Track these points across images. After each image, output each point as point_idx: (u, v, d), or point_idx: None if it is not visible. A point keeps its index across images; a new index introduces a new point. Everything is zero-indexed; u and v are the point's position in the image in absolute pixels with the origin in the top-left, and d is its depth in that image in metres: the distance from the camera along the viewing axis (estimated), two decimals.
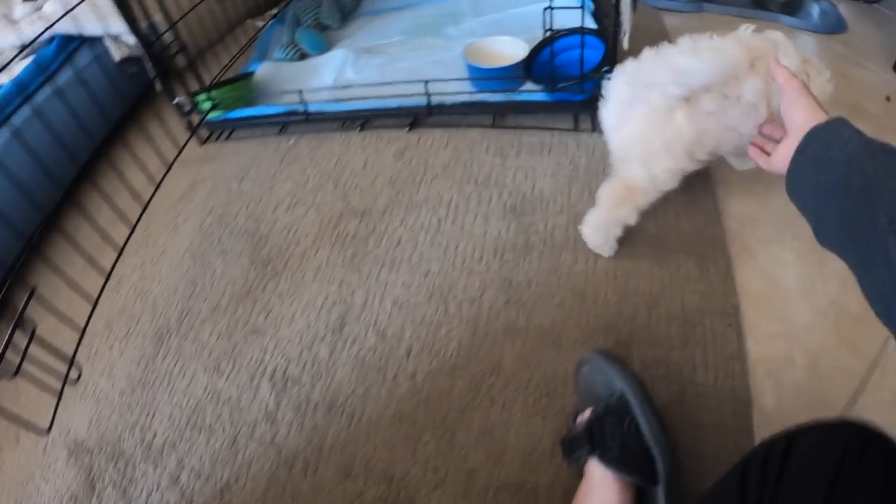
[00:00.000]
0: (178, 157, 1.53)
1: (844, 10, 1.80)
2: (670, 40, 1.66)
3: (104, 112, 1.24)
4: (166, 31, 1.53)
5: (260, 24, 2.05)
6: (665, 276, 1.01)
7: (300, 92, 1.45)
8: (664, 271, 1.02)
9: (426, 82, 1.33)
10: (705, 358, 0.89)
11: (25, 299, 1.01)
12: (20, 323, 0.98)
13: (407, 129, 1.42)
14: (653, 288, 1.00)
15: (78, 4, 1.21)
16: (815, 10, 1.76)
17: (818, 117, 0.63)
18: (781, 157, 0.67)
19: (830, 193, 0.57)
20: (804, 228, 0.99)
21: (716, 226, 1.09)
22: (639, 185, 0.95)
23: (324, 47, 1.79)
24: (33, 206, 1.23)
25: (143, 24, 1.50)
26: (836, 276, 0.98)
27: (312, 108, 1.48)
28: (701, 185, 1.18)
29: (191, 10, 1.59)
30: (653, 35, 1.75)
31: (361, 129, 1.47)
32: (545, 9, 1.18)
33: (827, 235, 0.59)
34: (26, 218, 1.34)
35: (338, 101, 1.47)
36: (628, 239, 1.06)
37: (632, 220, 0.98)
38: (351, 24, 1.93)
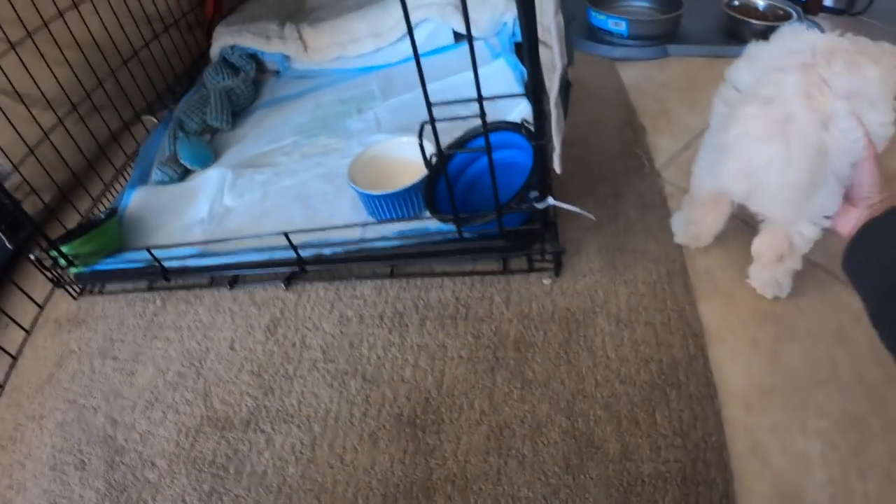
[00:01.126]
0: (50, 318, 1.28)
1: (829, 27, 1.56)
2: (631, 104, 1.38)
3: None
4: (10, 173, 1.27)
5: (153, 118, 1.73)
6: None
7: (148, 249, 1.12)
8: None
9: (287, 234, 0.99)
10: None
11: None
12: None
13: (283, 286, 1.08)
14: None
15: None
16: None
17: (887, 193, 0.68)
18: (848, 224, 0.71)
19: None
20: (832, 394, 0.78)
21: (708, 419, 0.77)
22: (804, 239, 0.80)
23: (209, 159, 1.46)
24: None
25: None
26: (879, 466, 0.71)
27: (172, 265, 1.15)
28: (682, 348, 0.86)
29: (37, 144, 1.29)
30: (608, 94, 1.43)
31: (231, 287, 1.13)
32: (421, 122, 0.83)
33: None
34: None
35: (203, 255, 1.14)
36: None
37: (799, 265, 0.85)
38: (245, 121, 1.60)
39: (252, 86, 1.68)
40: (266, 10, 1.84)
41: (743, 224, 0.99)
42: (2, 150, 1.29)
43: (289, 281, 1.09)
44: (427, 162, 0.86)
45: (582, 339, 0.89)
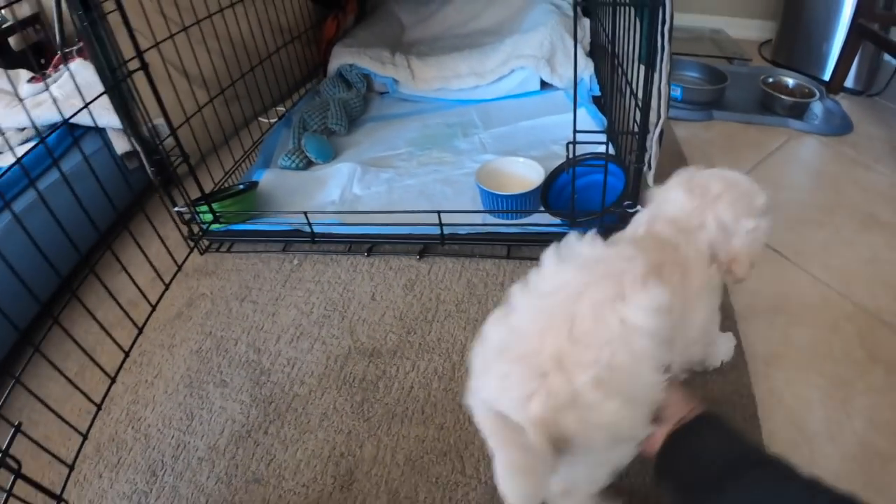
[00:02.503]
0: (162, 278, 1.42)
1: (847, 107, 1.83)
2: (683, 153, 1.68)
3: (109, 202, 1.17)
4: (168, 136, 1.46)
5: (267, 121, 2.02)
6: None
7: (305, 213, 1.39)
8: None
9: (439, 213, 1.28)
10: None
11: (10, 437, 0.91)
12: (3, 462, 0.89)
13: (417, 257, 1.37)
14: None
15: (91, 102, 1.17)
16: (819, 110, 1.77)
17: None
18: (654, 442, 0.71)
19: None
20: (827, 364, 1.06)
21: (740, 368, 1.06)
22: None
23: (330, 155, 1.75)
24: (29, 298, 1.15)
25: (145, 128, 1.43)
26: (862, 413, 0.98)
27: (318, 230, 1.42)
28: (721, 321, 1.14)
29: (192, 115, 1.54)
30: (665, 145, 1.74)
31: (368, 255, 1.41)
32: (568, 143, 1.14)
33: None
34: (21, 312, 1.26)
35: (345, 224, 1.42)
36: None
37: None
38: (358, 130, 1.90)
39: (363, 101, 1.99)
40: (374, 38, 2.16)
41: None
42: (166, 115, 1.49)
43: (421, 254, 1.37)
44: (569, 161, 1.16)
45: None
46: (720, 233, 0.79)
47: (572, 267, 0.69)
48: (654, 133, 1.14)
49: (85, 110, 1.16)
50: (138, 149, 1.42)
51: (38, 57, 2.13)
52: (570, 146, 1.13)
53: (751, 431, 0.95)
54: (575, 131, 1.10)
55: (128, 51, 1.30)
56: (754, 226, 0.80)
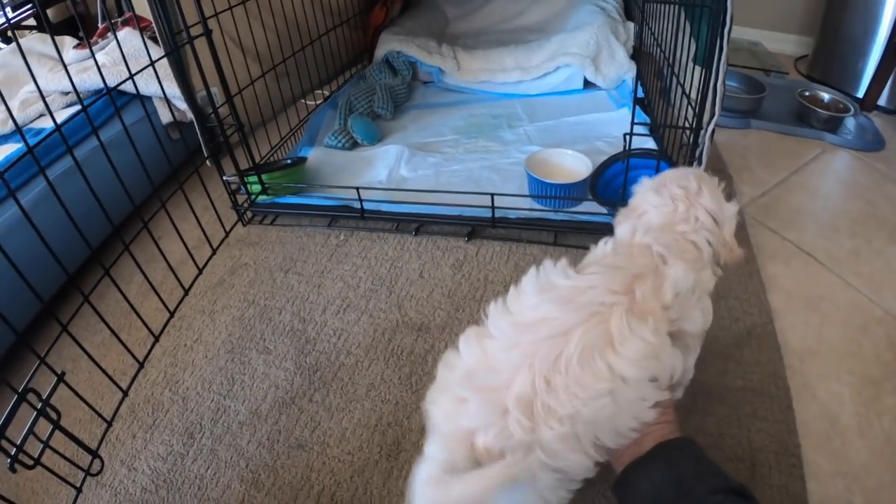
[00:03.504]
0: (215, 237, 1.46)
1: (880, 124, 1.86)
2: (723, 158, 1.72)
3: (147, 173, 1.19)
4: (223, 104, 1.49)
5: (312, 103, 2.06)
6: (731, 415, 1.01)
7: (357, 189, 1.43)
8: (730, 410, 1.02)
9: (492, 195, 1.32)
10: (770, 499, 0.89)
11: (52, 387, 0.93)
12: (44, 411, 0.90)
13: (465, 238, 1.40)
14: (719, 425, 0.99)
15: (153, 63, 1.18)
16: (853, 126, 1.81)
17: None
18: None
19: None
20: (857, 364, 1.10)
21: (777, 361, 1.10)
22: None
23: (376, 137, 1.79)
24: (56, 265, 1.15)
25: (200, 95, 1.48)
26: (890, 412, 1.02)
27: (368, 206, 1.46)
28: (758, 313, 1.19)
29: (246, 87, 1.58)
30: None
31: (416, 233, 1.45)
32: (625, 134, 1.18)
33: None
34: (49, 278, 1.28)
35: (394, 202, 1.46)
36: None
37: None
38: (403, 116, 1.95)
39: (408, 88, 2.04)
40: (420, 28, 2.20)
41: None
42: (223, 83, 1.49)
43: (469, 236, 1.41)
44: (626, 152, 1.20)
45: None
46: (713, 224, 0.80)
47: (554, 300, 0.67)
48: (707, 130, 1.17)
49: (129, 79, 1.18)
50: (192, 115, 1.47)
51: (75, 31, 2.19)
52: (627, 137, 1.17)
53: (786, 422, 0.99)
54: (633, 123, 1.14)
55: (189, 16, 1.33)
56: (736, 208, 0.83)
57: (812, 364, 1.10)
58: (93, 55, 1.06)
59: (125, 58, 1.12)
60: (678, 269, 0.71)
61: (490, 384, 0.63)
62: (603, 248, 0.81)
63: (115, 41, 1.89)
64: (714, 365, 1.08)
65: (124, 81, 1.13)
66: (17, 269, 0.86)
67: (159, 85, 1.26)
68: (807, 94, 1.93)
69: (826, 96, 1.93)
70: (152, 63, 1.18)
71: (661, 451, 0.66)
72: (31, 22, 2.42)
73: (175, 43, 1.36)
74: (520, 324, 0.67)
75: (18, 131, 0.86)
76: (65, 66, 0.96)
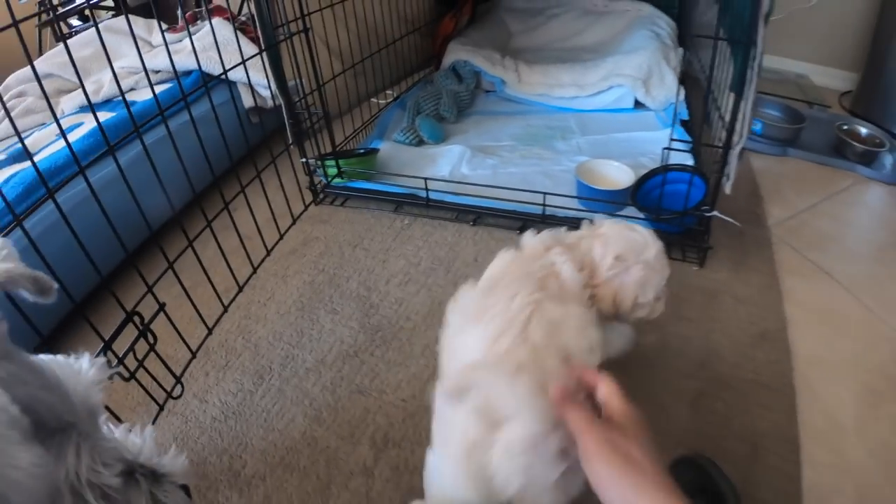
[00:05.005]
0: (292, 213, 1.65)
1: None
2: (756, 181, 1.84)
3: (228, 151, 1.32)
4: (311, 91, 1.65)
5: (381, 101, 2.26)
6: (739, 402, 1.11)
7: (425, 180, 1.61)
8: (739, 397, 1.11)
9: (544, 194, 1.49)
10: (767, 478, 0.98)
11: (154, 313, 1.07)
12: (145, 333, 1.03)
13: (517, 231, 1.58)
14: (728, 409, 1.11)
15: (255, 56, 1.36)
16: (888, 161, 1.89)
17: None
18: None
19: None
20: (862, 373, 1.16)
21: (785, 363, 1.21)
22: None
23: (441, 137, 1.98)
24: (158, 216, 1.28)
25: (291, 84, 1.64)
26: (888, 419, 1.07)
27: (433, 196, 1.64)
28: (773, 320, 1.31)
29: (329, 80, 1.75)
30: (741, 172, 1.89)
31: (473, 224, 1.62)
32: (664, 149, 1.34)
33: None
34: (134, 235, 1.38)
35: (456, 194, 1.63)
36: (706, 363, 1.18)
37: None
38: (465, 120, 2.13)
39: (471, 95, 2.22)
40: (486, 40, 2.39)
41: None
42: (316, 74, 1.67)
43: (521, 230, 1.58)
44: (656, 168, 1.35)
45: (716, 305, 1.35)
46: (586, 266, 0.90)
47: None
48: (735, 149, 1.32)
49: (218, 63, 1.33)
50: (281, 101, 1.63)
51: (154, 14, 2.34)
52: (665, 151, 1.33)
53: (788, 414, 1.10)
54: (672, 139, 1.30)
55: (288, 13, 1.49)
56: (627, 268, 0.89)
57: (818, 369, 1.20)
58: (191, 39, 1.23)
59: (218, 46, 1.26)
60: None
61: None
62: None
63: (205, 28, 2.08)
64: (728, 359, 1.21)
65: (223, 73, 1.30)
66: (139, 208, 1.04)
67: (246, 73, 1.43)
68: (845, 127, 2.01)
69: (864, 131, 2.01)
70: (244, 61, 1.35)
71: None
72: (109, 3, 2.63)
73: (274, 37, 1.52)
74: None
75: (124, 100, 1.05)
76: (167, 47, 1.13)
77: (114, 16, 2.57)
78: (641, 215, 1.49)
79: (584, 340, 0.76)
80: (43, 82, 0.92)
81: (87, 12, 2.67)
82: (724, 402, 1.13)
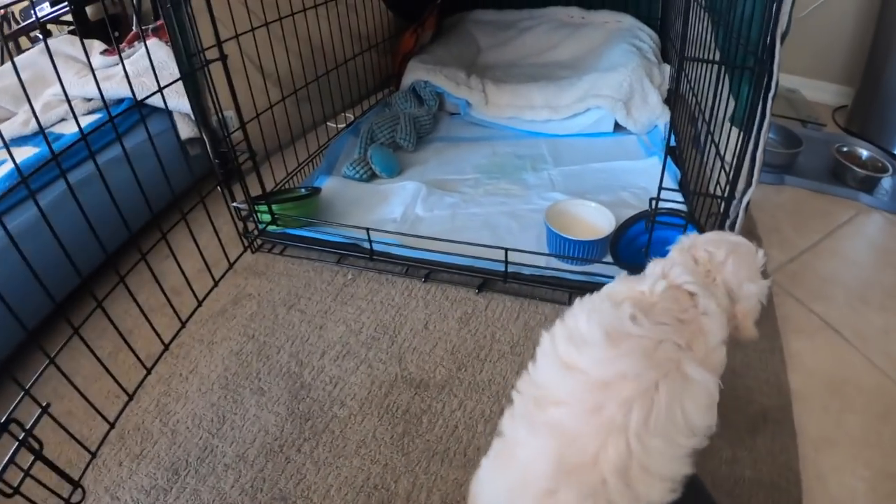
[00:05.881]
0: (222, 263, 1.45)
1: None
2: (753, 217, 1.65)
3: (168, 185, 1.18)
4: (237, 129, 1.46)
5: (336, 126, 2.04)
6: None
7: (367, 230, 1.40)
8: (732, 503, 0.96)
9: (506, 251, 1.27)
10: None
11: (35, 418, 0.92)
12: (26, 442, 0.90)
13: (476, 290, 1.36)
14: None
15: (165, 87, 1.16)
16: (889, 186, 1.75)
17: None
18: None
19: None
20: (875, 455, 1.04)
21: (791, 451, 1.04)
22: None
23: (395, 170, 1.76)
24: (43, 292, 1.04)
25: (214, 118, 1.46)
26: None
27: (377, 248, 1.43)
28: (776, 395, 1.14)
29: (263, 112, 1.55)
30: None
31: (425, 280, 1.40)
32: (651, 199, 1.13)
33: None
34: (35, 305, 1.25)
35: (406, 246, 1.42)
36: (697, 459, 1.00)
37: None
38: (426, 148, 1.91)
39: (433, 119, 2.00)
40: (451, 57, 2.18)
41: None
42: (237, 108, 1.46)
43: (480, 288, 1.36)
44: (646, 214, 1.15)
45: None
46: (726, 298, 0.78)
47: (632, 353, 0.65)
48: (742, 200, 1.12)
49: (151, 91, 1.17)
50: (205, 138, 1.45)
51: (112, 30, 2.19)
52: (653, 202, 1.12)
53: None
54: (660, 188, 1.09)
55: (207, 38, 1.31)
56: (760, 289, 0.80)
57: (828, 454, 1.04)
58: (122, 63, 1.05)
59: (155, 70, 1.12)
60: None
61: (577, 461, 0.59)
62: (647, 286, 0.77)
63: (141, 50, 1.91)
64: (724, 452, 1.02)
65: (151, 95, 1.13)
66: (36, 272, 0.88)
67: (182, 101, 1.29)
68: (844, 149, 1.86)
69: (864, 153, 1.85)
70: (161, 89, 1.16)
71: None
72: (69, 17, 2.45)
73: (191, 65, 1.35)
74: (596, 383, 0.62)
75: (44, 137, 0.89)
76: (93, 73, 0.97)
77: (69, 32, 2.38)
78: (623, 272, 1.27)
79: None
80: None
81: (36, 33, 2.50)
82: None
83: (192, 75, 1.36)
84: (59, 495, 0.95)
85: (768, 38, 0.99)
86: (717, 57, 1.39)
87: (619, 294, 0.76)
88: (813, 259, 1.51)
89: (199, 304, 1.33)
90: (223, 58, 1.33)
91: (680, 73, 1.09)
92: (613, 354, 0.64)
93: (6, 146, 0.80)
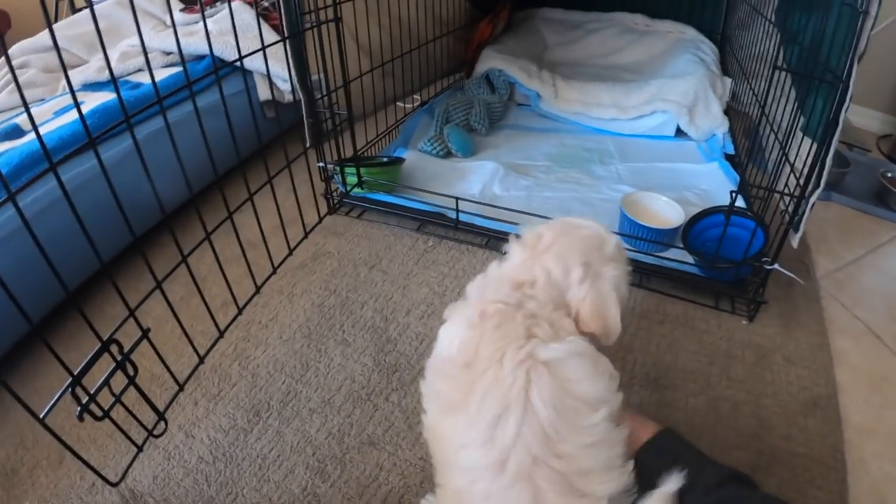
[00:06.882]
0: (304, 223, 1.42)
1: None
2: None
3: (237, 148, 1.11)
4: (336, 89, 1.50)
5: (405, 106, 2.14)
6: (791, 480, 1.03)
7: (457, 199, 1.49)
8: (789, 473, 1.04)
9: None
10: None
11: (136, 341, 0.90)
12: (124, 365, 0.87)
13: None
14: (780, 488, 1.02)
15: (275, 43, 1.19)
16: None
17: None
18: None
19: None
20: None
21: (837, 434, 1.13)
22: None
23: (470, 150, 1.86)
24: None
25: (312, 79, 1.50)
26: None
27: (463, 218, 1.52)
28: (824, 385, 1.23)
29: (355, 78, 1.61)
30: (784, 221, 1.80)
31: (505, 253, 1.50)
32: (731, 191, 1.23)
33: None
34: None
35: (489, 217, 1.51)
36: (756, 434, 1.10)
37: None
38: (497, 134, 2.01)
39: (504, 107, 2.10)
40: (520, 49, 2.27)
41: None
42: (344, 70, 1.52)
43: None
44: (730, 208, 1.25)
45: (765, 365, 1.26)
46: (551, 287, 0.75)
47: None
48: (810, 201, 1.22)
49: (234, 50, 1.16)
50: (303, 98, 1.48)
51: None
52: (733, 194, 1.22)
53: (840, 494, 1.03)
54: (743, 184, 1.19)
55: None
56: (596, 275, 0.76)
57: (869, 441, 1.14)
58: (204, 22, 1.03)
59: (236, 31, 1.08)
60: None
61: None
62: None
63: (224, 10, 1.97)
64: (781, 429, 1.13)
65: (238, 60, 1.08)
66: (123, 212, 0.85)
67: (265, 62, 1.19)
68: (889, 175, 1.94)
69: None
70: (263, 48, 1.13)
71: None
72: None
73: (301, 25, 1.36)
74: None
75: (115, 87, 0.87)
76: (174, 28, 0.96)
77: None
78: (690, 259, 1.38)
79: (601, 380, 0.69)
80: (49, 55, 0.79)
81: None
82: (777, 479, 1.04)
83: (300, 35, 1.38)
84: (143, 426, 0.96)
85: (850, 56, 1.09)
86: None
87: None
88: (857, 270, 1.60)
89: (291, 252, 1.38)
90: (338, 19, 1.39)
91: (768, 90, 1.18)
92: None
93: (71, 91, 0.78)
